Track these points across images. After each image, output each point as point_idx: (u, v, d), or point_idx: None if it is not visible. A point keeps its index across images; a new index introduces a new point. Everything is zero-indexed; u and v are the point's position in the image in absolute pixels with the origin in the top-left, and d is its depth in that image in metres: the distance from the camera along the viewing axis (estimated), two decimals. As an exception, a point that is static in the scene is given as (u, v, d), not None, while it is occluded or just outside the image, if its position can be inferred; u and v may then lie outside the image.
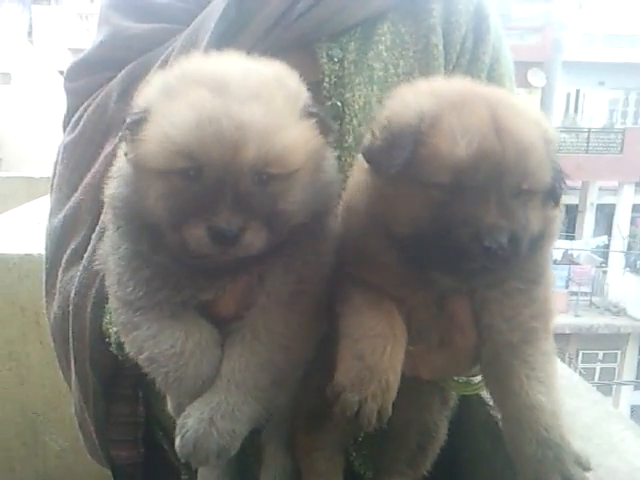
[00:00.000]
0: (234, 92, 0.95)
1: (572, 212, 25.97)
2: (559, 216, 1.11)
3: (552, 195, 1.03)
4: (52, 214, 1.51)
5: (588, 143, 24.14)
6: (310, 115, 1.02)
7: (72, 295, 1.39)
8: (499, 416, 1.36)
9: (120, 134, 1.08)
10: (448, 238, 0.94)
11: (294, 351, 1.09)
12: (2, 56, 21.59)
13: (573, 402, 1.55)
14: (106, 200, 1.11)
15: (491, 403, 1.52)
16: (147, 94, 1.01)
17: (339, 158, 1.36)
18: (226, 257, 0.97)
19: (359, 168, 1.11)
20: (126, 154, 1.02)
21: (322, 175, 1.08)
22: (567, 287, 22.90)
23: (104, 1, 1.55)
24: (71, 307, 1.39)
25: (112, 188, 1.09)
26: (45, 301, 1.53)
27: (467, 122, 0.95)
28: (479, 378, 1.28)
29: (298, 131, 0.99)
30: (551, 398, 1.05)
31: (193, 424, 1.02)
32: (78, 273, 1.38)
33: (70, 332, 1.41)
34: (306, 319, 1.10)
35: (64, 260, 1.44)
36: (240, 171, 0.94)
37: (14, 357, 2.87)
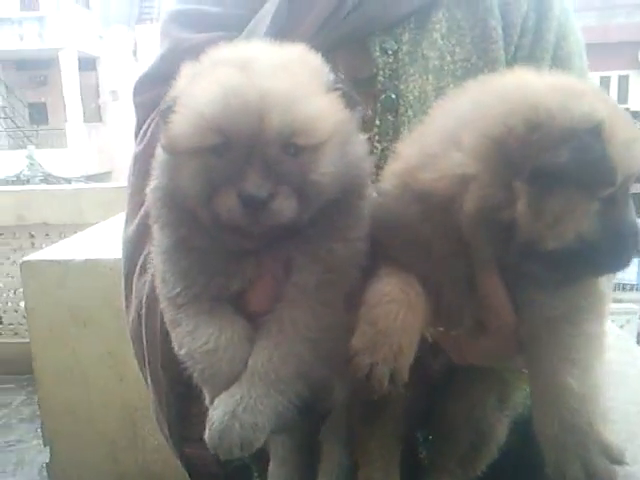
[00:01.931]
0: (258, 68, 0.98)
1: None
2: None
3: None
4: (127, 223, 1.56)
5: None
6: (335, 89, 1.03)
7: (144, 299, 1.45)
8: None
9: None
10: (616, 243, 0.99)
11: (320, 343, 1.07)
12: (111, 75, 23.15)
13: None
14: (148, 197, 1.15)
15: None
16: (178, 84, 1.05)
17: (394, 150, 1.34)
18: (257, 226, 0.97)
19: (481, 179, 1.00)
20: (160, 141, 1.06)
21: (351, 149, 1.07)
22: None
23: (164, 16, 1.59)
24: (143, 311, 1.45)
25: (152, 183, 1.13)
26: (125, 306, 1.60)
27: (630, 131, 0.99)
28: None
29: (323, 102, 0.99)
30: (583, 382, 0.97)
31: (218, 417, 1.03)
32: (149, 277, 1.44)
33: (143, 335, 1.47)
34: (334, 310, 1.08)
35: (138, 266, 1.50)
36: (267, 139, 0.95)
37: (113, 356, 3.06)
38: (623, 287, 20.76)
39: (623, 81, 24.48)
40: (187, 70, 1.05)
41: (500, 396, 1.26)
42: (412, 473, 1.33)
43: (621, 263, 1.01)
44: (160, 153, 1.10)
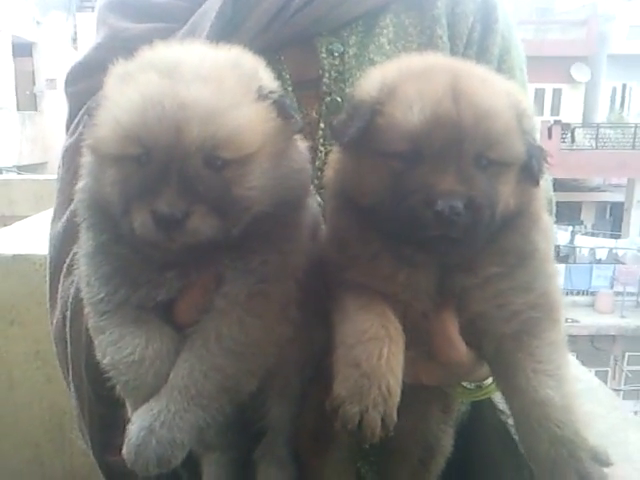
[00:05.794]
0: (183, 74, 0.93)
1: (617, 210, 25.21)
2: (541, 196, 1.06)
3: (528, 171, 0.99)
4: (54, 219, 1.49)
5: (635, 139, 23.39)
6: (267, 97, 0.99)
7: (70, 300, 1.38)
8: (509, 421, 1.29)
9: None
10: (402, 206, 0.92)
11: (247, 357, 1.03)
12: (48, 62, 22.25)
13: (590, 408, 1.48)
14: (75, 195, 1.10)
15: (501, 407, 1.46)
16: (107, 83, 1.01)
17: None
18: (174, 244, 0.93)
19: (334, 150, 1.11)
20: (87, 141, 1.01)
21: (287, 162, 1.04)
22: (612, 287, 22.24)
23: (101, 2, 1.53)
24: (69, 312, 1.38)
25: (80, 181, 1.08)
26: (49, 306, 1.53)
27: (423, 89, 0.93)
28: (490, 380, 1.23)
29: (251, 112, 0.95)
30: (562, 392, 0.97)
31: (134, 432, 0.99)
32: (76, 278, 1.38)
33: (67, 337, 1.40)
34: (265, 323, 1.04)
35: (65, 265, 1.43)
36: (186, 152, 0.91)
37: (41, 356, 2.92)
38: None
39: (556, 94, 25.50)
40: (117, 69, 1.00)
41: (443, 407, 1.25)
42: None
43: (415, 231, 0.94)
44: (88, 152, 1.06)
